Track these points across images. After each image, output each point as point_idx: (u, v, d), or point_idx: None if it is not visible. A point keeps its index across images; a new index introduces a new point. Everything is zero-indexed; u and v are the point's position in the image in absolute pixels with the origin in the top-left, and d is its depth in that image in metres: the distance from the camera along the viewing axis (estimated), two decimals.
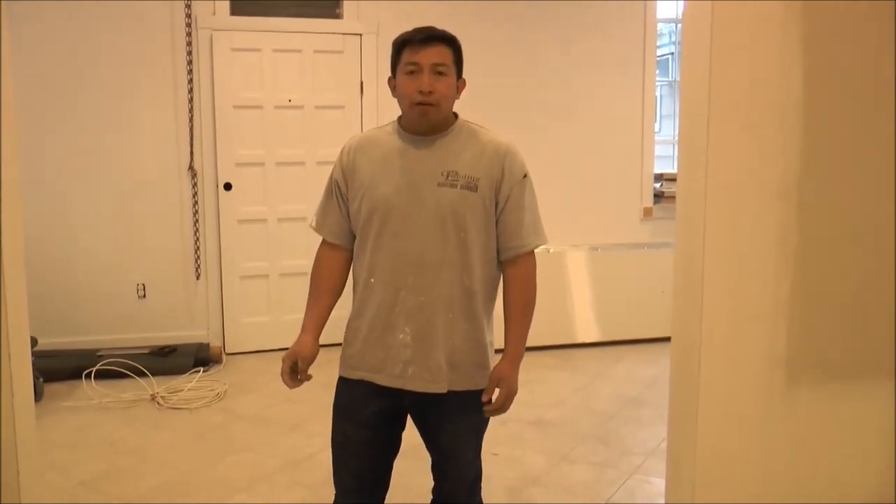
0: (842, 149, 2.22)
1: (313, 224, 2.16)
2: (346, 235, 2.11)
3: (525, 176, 2.05)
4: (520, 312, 2.06)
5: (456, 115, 2.07)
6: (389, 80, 2.06)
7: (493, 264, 2.06)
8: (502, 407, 2.04)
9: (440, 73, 1.95)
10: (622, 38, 5.68)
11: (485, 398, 2.04)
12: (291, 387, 2.07)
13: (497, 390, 2.04)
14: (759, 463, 2.26)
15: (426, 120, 1.98)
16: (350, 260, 2.13)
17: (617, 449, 3.66)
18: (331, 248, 2.13)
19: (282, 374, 2.06)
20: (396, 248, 1.99)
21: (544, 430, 3.89)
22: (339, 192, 2.09)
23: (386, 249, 2.00)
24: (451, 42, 1.99)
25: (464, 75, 2.08)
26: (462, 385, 2.04)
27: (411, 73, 1.95)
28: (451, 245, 1.98)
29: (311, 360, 2.06)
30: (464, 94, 2.10)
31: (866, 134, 2.22)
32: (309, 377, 2.08)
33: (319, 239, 2.15)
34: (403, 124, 2.06)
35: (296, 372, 2.06)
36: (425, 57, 1.94)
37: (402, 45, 1.98)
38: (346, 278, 2.15)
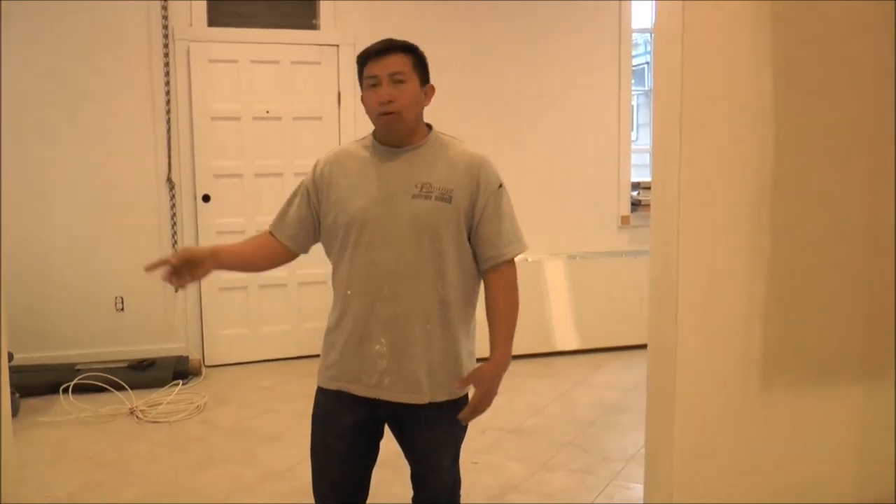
0: (813, 154, 2.25)
1: (270, 225, 2.17)
2: (297, 239, 2.13)
3: (500, 186, 2.07)
4: (504, 315, 2.04)
5: (430, 127, 2.09)
6: (361, 97, 2.08)
7: (468, 275, 2.07)
8: (477, 408, 2.02)
9: (399, 82, 1.97)
10: (598, 47, 5.74)
11: (457, 386, 2.02)
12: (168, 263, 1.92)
13: (472, 389, 2.04)
14: (735, 464, 2.29)
15: (392, 129, 2.00)
16: (286, 261, 2.16)
17: (596, 455, 3.68)
18: (276, 243, 2.15)
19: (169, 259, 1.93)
20: (371, 259, 2.00)
21: (524, 438, 3.91)
22: (308, 199, 2.11)
23: (362, 261, 2.01)
24: (409, 50, 2.01)
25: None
26: (440, 395, 2.04)
27: (372, 85, 1.98)
28: (426, 256, 1.99)
29: (194, 251, 2.00)
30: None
31: (837, 139, 2.25)
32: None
33: None
34: (377, 137, 2.08)
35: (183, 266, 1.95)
36: (381, 68, 1.96)
37: (364, 60, 2.01)
38: (271, 266, 2.18)
